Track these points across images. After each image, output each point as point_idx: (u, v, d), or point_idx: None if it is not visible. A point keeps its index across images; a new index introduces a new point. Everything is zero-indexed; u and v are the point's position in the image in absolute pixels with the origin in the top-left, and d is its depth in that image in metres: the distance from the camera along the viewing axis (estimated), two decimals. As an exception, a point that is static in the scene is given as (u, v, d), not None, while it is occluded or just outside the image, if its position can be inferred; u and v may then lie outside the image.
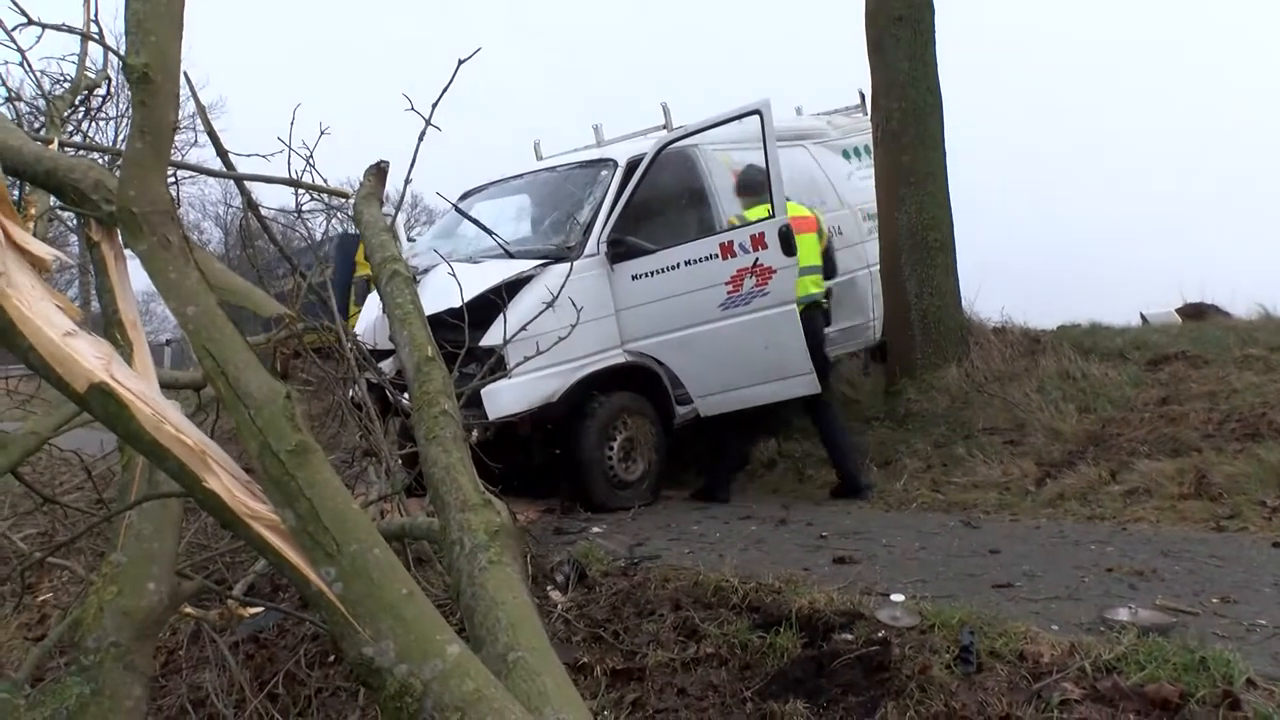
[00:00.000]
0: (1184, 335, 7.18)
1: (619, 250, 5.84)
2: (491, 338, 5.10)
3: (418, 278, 5.23)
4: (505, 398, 5.34)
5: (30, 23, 3.61)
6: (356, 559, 1.32)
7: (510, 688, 1.35)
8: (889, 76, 7.26)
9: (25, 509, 4.45)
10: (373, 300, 6.18)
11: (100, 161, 3.07)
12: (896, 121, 7.20)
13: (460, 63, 3.16)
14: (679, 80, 49.37)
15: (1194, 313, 8.66)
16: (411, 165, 3.45)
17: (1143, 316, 8.77)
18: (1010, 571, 3.78)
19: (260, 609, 3.60)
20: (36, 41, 4.89)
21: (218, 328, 1.45)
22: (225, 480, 1.39)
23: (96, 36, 4.50)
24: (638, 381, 5.92)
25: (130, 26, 1.54)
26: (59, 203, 2.02)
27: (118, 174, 1.69)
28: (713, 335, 5.66)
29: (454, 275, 4.39)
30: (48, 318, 1.37)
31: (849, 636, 3.07)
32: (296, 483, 1.34)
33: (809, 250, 5.75)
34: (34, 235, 1.44)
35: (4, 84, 4.80)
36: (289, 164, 3.65)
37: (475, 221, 6.28)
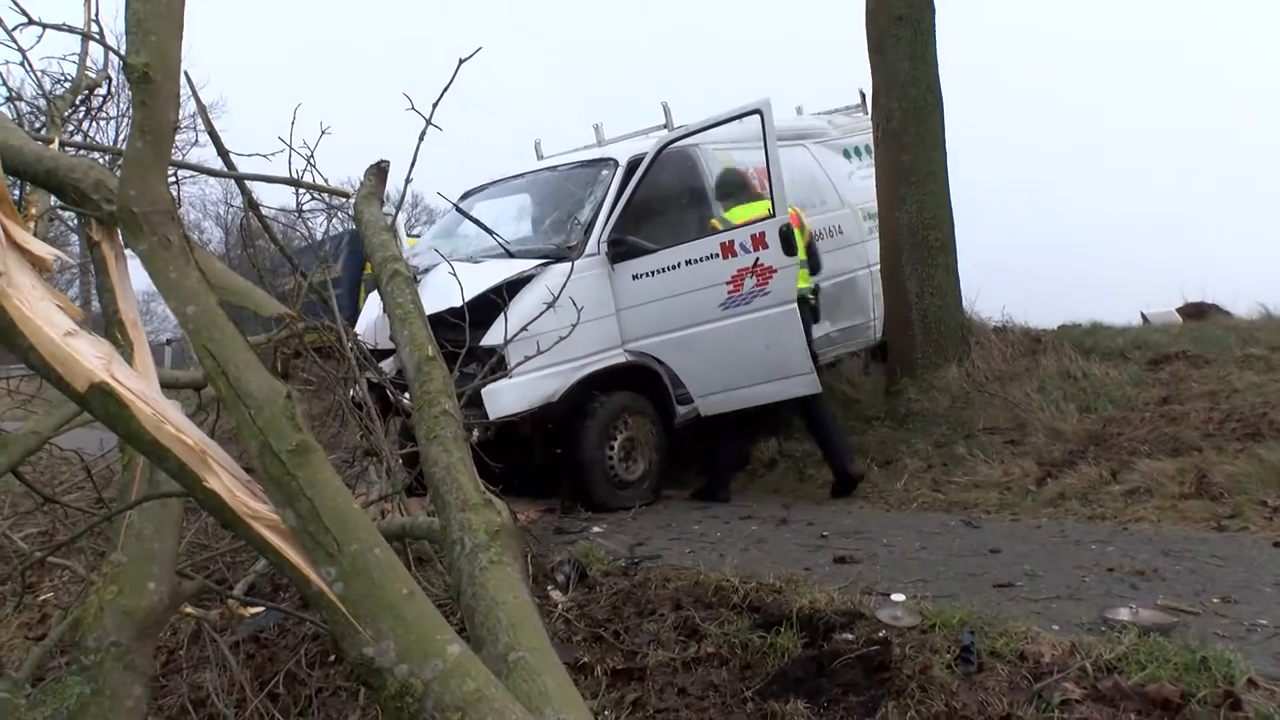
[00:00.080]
0: (1185, 335, 7.18)
1: (620, 250, 5.84)
2: (492, 337, 5.10)
3: (418, 277, 5.23)
4: (506, 397, 5.34)
5: (31, 22, 3.61)
6: (357, 559, 1.32)
7: (511, 688, 1.35)
8: (890, 76, 7.25)
9: (26, 508, 4.45)
10: (373, 300, 6.18)
11: (101, 161, 3.07)
12: (897, 121, 7.20)
13: (461, 62, 3.16)
14: (679, 80, 49.40)
15: (1195, 312, 8.65)
16: (412, 165, 3.44)
17: (1143, 316, 8.76)
18: (1011, 571, 3.78)
19: (261, 609, 3.60)
20: (37, 41, 4.88)
21: (218, 327, 1.45)
22: (226, 480, 1.39)
23: (97, 36, 4.49)
24: (638, 381, 5.92)
25: (131, 26, 1.54)
26: (60, 202, 2.02)
27: (118, 174, 1.69)
28: (713, 335, 5.66)
29: (455, 275, 4.39)
30: (48, 317, 1.36)
31: (850, 636, 3.07)
32: (297, 482, 1.34)
33: None
34: (35, 235, 1.44)
35: (5, 84, 4.80)
36: (290, 164, 3.65)
37: (476, 221, 6.28)
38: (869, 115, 7.74)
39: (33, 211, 3.39)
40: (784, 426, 6.70)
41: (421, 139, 3.36)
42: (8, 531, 4.02)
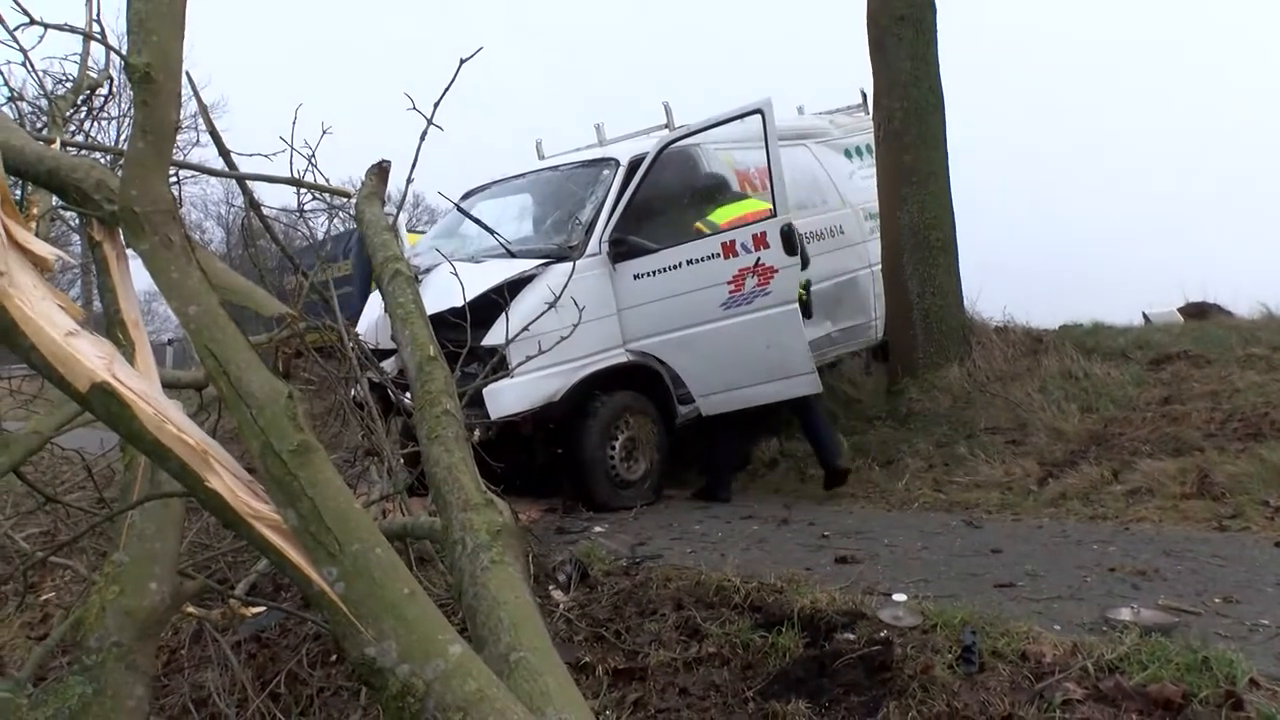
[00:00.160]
0: (1186, 335, 7.17)
1: (621, 249, 5.84)
2: (494, 337, 5.10)
3: (420, 277, 5.23)
4: (507, 397, 5.34)
5: (33, 22, 3.61)
6: (358, 559, 1.32)
7: (512, 688, 1.35)
8: (891, 76, 7.25)
9: (28, 508, 4.45)
10: (375, 299, 6.18)
11: (102, 161, 3.07)
12: (898, 121, 7.19)
13: (462, 62, 3.16)
14: (679, 80, 49.36)
15: (1196, 312, 8.64)
16: (413, 165, 3.44)
17: (1145, 316, 8.75)
18: (1012, 571, 3.77)
19: (262, 608, 3.61)
20: (39, 41, 4.90)
21: (220, 327, 1.45)
22: (227, 480, 1.39)
23: (99, 36, 4.49)
24: (640, 381, 5.92)
25: (132, 26, 1.54)
26: (61, 202, 2.02)
27: (120, 174, 1.69)
28: (714, 334, 5.66)
29: (456, 274, 4.39)
30: (50, 317, 1.36)
31: (851, 636, 3.07)
32: (299, 482, 1.34)
33: None
34: (36, 235, 1.44)
35: (6, 84, 4.80)
36: (291, 163, 3.64)
37: (477, 221, 6.29)
38: (870, 115, 7.74)
39: (34, 211, 3.39)
40: (785, 426, 6.70)
41: (423, 139, 3.35)
42: (10, 531, 4.02)
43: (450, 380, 2.23)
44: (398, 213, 4.37)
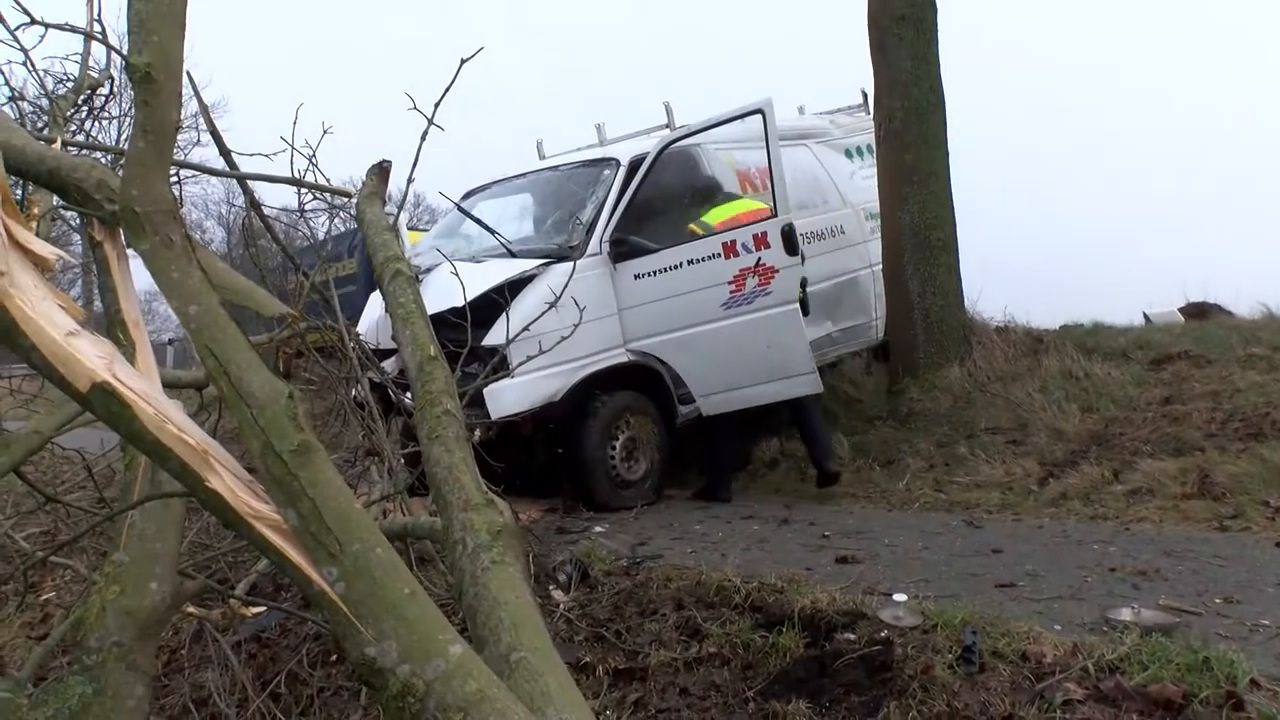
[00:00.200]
0: (1187, 334, 7.17)
1: (621, 249, 5.83)
2: (494, 337, 5.10)
3: (420, 277, 5.23)
4: (508, 397, 5.34)
5: (34, 22, 3.62)
6: (359, 559, 1.32)
7: (513, 688, 1.35)
8: (892, 76, 7.25)
9: (28, 508, 4.46)
10: (375, 299, 6.18)
11: (103, 161, 3.07)
12: (899, 121, 7.19)
13: (463, 62, 3.16)
14: (679, 80, 49.32)
15: (1197, 312, 8.63)
16: (414, 164, 3.43)
17: (1145, 316, 8.74)
18: (1013, 571, 3.77)
19: (262, 608, 3.61)
20: (40, 41, 4.90)
21: (220, 327, 1.45)
22: (228, 480, 1.39)
23: (99, 36, 4.50)
24: (640, 381, 5.92)
25: (133, 26, 1.54)
26: (62, 202, 2.02)
27: (120, 173, 1.69)
28: (715, 334, 5.66)
29: (456, 274, 4.39)
30: (50, 317, 1.36)
31: (851, 636, 3.07)
32: (299, 482, 1.34)
33: None
34: (37, 235, 1.44)
35: (7, 83, 4.80)
36: (291, 163, 3.65)
37: (478, 221, 6.29)
38: (871, 115, 7.74)
39: (35, 211, 3.40)
40: (785, 426, 6.70)
41: (424, 139, 3.35)
42: (10, 531, 4.02)
43: (451, 380, 2.24)
44: (398, 212, 4.37)
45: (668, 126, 6.85)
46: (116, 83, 5.33)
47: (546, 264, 5.67)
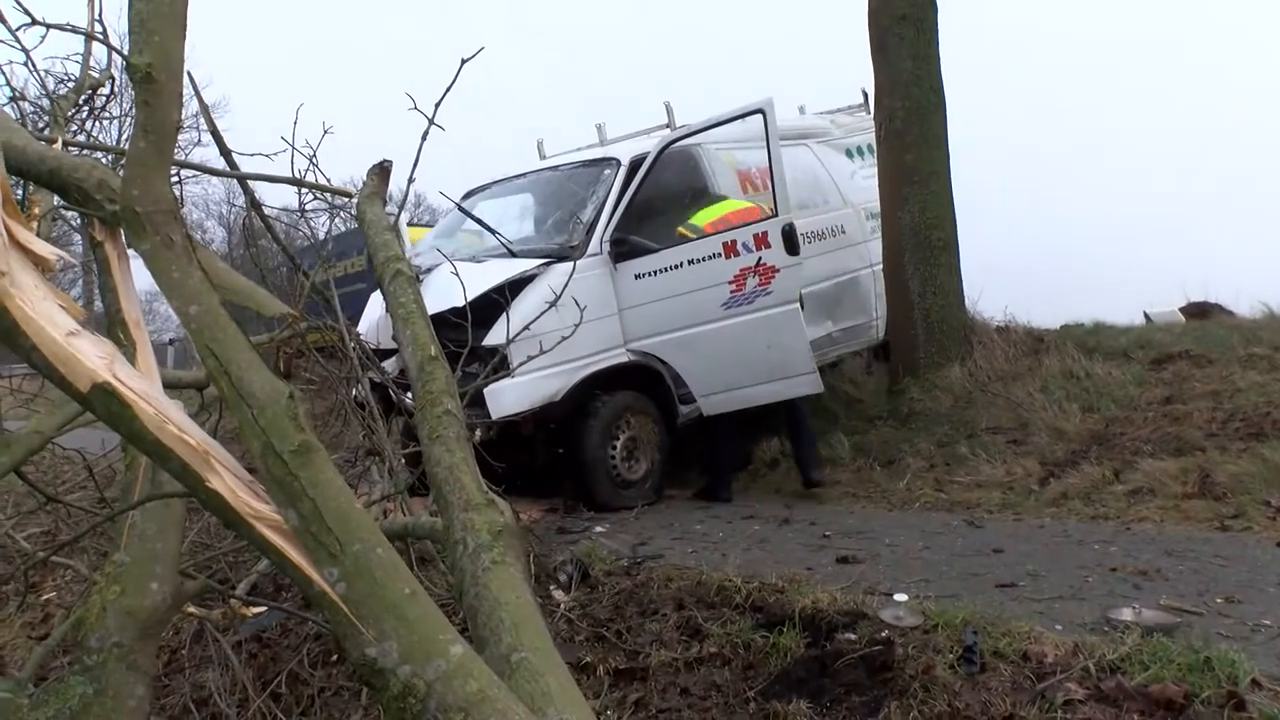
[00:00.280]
0: (1188, 334, 7.16)
1: (622, 249, 5.83)
2: (495, 337, 5.10)
3: (421, 277, 5.23)
4: (508, 397, 5.34)
5: (35, 22, 3.62)
6: (359, 559, 1.32)
7: (513, 688, 1.35)
8: (892, 75, 7.24)
9: (29, 508, 4.46)
10: (376, 299, 6.18)
11: (104, 161, 3.07)
12: (900, 120, 7.19)
13: (464, 62, 3.16)
14: (679, 80, 49.32)
15: (1198, 312, 8.63)
16: (415, 164, 3.44)
17: (1146, 315, 8.74)
18: (1014, 571, 3.77)
19: (263, 609, 3.61)
20: (41, 41, 4.89)
21: (221, 327, 1.45)
22: (228, 480, 1.39)
23: (100, 36, 4.50)
24: (641, 381, 5.92)
25: (134, 26, 1.54)
26: (63, 202, 2.02)
27: (121, 173, 1.69)
28: (715, 334, 5.66)
29: (457, 274, 4.39)
30: (51, 317, 1.36)
31: (852, 636, 3.07)
32: (299, 482, 1.34)
33: None
34: (37, 235, 1.44)
35: (8, 83, 4.80)
36: (292, 163, 3.65)
37: (478, 221, 6.29)
38: (871, 115, 7.74)
39: (36, 211, 3.40)
40: (786, 426, 6.69)
41: (424, 139, 3.36)
42: (11, 531, 4.02)
43: (451, 380, 2.24)
44: (399, 212, 4.37)
45: (668, 126, 6.85)
46: (117, 83, 5.33)
47: (547, 264, 5.67)
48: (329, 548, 1.32)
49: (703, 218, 5.84)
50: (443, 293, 4.84)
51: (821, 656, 3.02)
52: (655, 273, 5.77)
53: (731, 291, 5.57)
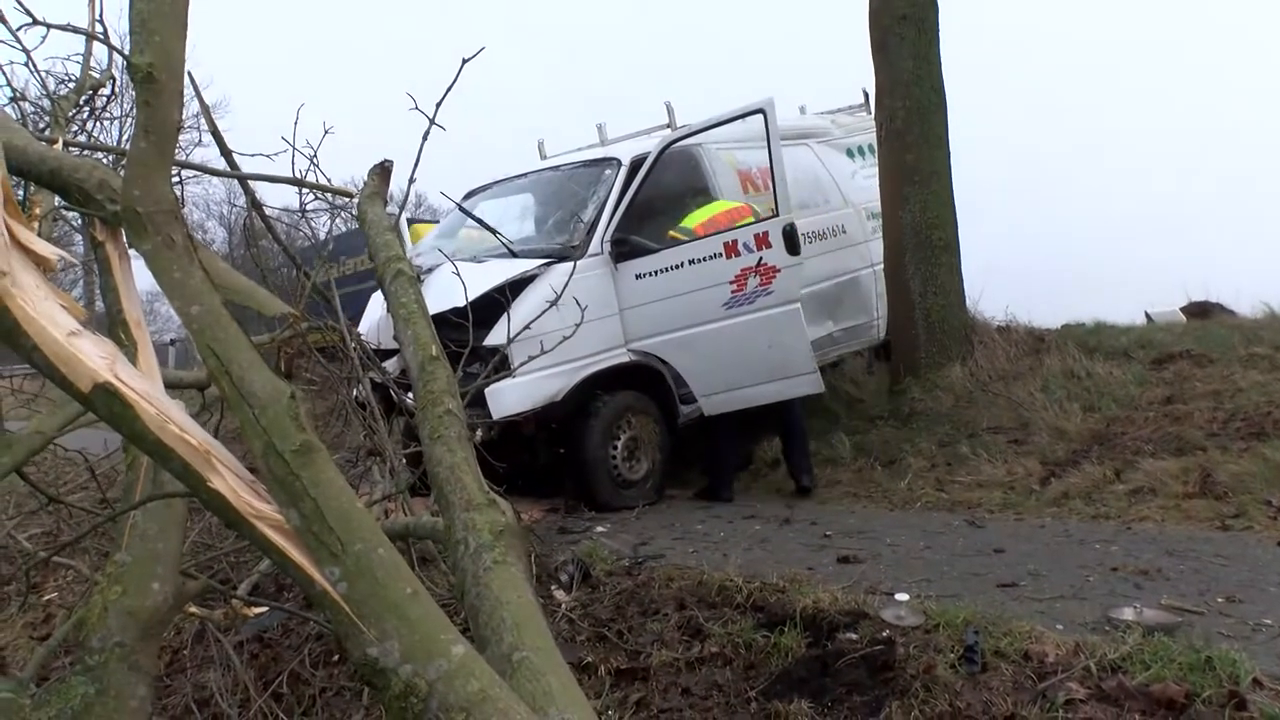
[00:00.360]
0: (1189, 334, 7.16)
1: (623, 249, 5.83)
2: (495, 337, 5.10)
3: (422, 277, 5.23)
4: (509, 397, 5.34)
5: (35, 23, 3.63)
6: (361, 559, 1.32)
7: (515, 688, 1.35)
8: (893, 75, 7.24)
9: (30, 508, 4.46)
10: (377, 299, 6.19)
11: (105, 161, 3.08)
12: (901, 120, 7.19)
13: (465, 62, 3.17)
14: (679, 80, 49.35)
15: (1199, 311, 8.63)
16: (415, 165, 3.44)
17: (1147, 315, 8.74)
18: (1015, 571, 3.77)
19: (265, 609, 3.62)
20: (41, 41, 4.88)
21: (222, 327, 1.45)
22: (230, 480, 1.39)
23: (101, 36, 4.50)
24: (642, 381, 5.92)
25: (135, 26, 1.54)
26: (64, 202, 2.02)
27: (122, 174, 1.69)
28: (716, 334, 5.66)
29: (458, 274, 4.39)
30: (52, 317, 1.36)
31: (853, 636, 3.07)
32: (301, 482, 1.34)
33: None
34: (38, 235, 1.44)
35: (9, 84, 4.81)
36: (293, 163, 3.66)
37: (479, 221, 6.28)
38: (872, 114, 7.73)
39: (37, 211, 3.40)
40: (779, 431, 6.69)
41: (425, 139, 3.36)
42: (12, 531, 4.03)
43: (452, 380, 2.24)
44: (400, 212, 4.37)
45: (669, 126, 6.85)
46: (118, 83, 5.34)
47: (548, 264, 5.67)
48: (330, 547, 1.32)
49: (693, 220, 5.85)
50: (444, 293, 4.84)
51: (823, 656, 3.02)
52: (656, 273, 5.77)
53: (732, 291, 5.57)
